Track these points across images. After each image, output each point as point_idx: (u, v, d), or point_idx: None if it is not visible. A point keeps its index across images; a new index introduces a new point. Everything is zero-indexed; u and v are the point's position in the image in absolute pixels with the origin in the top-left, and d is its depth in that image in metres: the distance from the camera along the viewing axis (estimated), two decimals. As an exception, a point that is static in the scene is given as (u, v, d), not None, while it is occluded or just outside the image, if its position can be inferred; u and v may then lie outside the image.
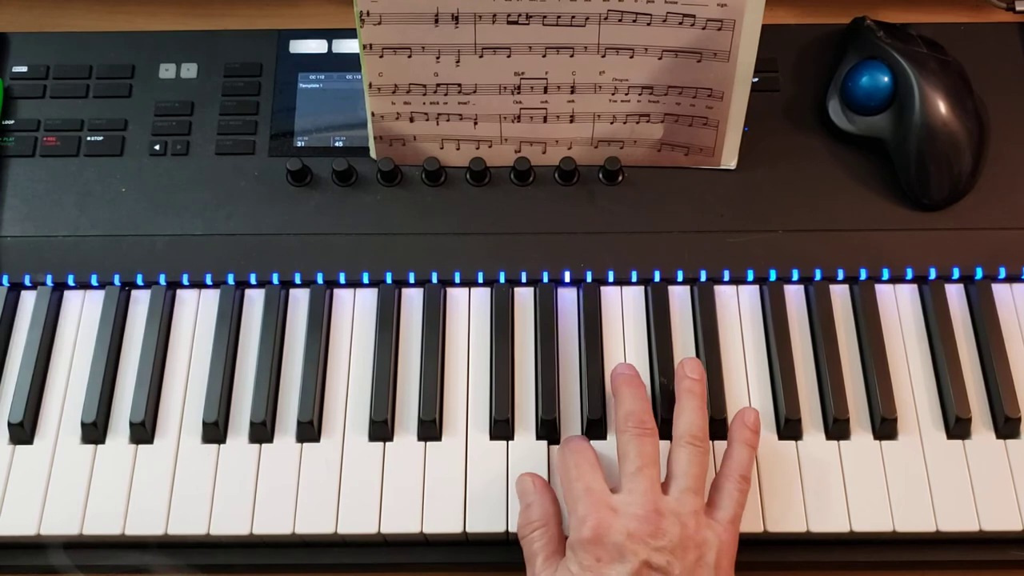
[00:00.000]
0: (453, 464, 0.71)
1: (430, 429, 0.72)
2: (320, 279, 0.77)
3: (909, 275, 0.77)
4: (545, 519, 0.66)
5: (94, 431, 0.72)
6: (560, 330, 0.76)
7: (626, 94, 0.77)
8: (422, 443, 0.72)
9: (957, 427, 0.72)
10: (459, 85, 0.77)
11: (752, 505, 0.69)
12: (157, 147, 0.81)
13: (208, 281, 0.77)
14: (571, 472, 0.66)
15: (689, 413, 0.69)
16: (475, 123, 0.79)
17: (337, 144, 0.82)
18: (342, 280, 0.77)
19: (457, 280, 0.77)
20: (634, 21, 0.73)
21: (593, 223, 0.79)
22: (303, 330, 0.76)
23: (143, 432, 0.72)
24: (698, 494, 0.65)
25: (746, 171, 0.80)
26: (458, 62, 0.76)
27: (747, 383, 0.74)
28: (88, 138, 0.82)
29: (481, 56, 0.75)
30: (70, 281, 0.77)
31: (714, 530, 0.65)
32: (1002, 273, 0.77)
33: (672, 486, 0.66)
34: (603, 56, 0.75)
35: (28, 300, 0.77)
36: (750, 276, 0.77)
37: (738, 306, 0.77)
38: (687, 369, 0.70)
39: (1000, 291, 0.76)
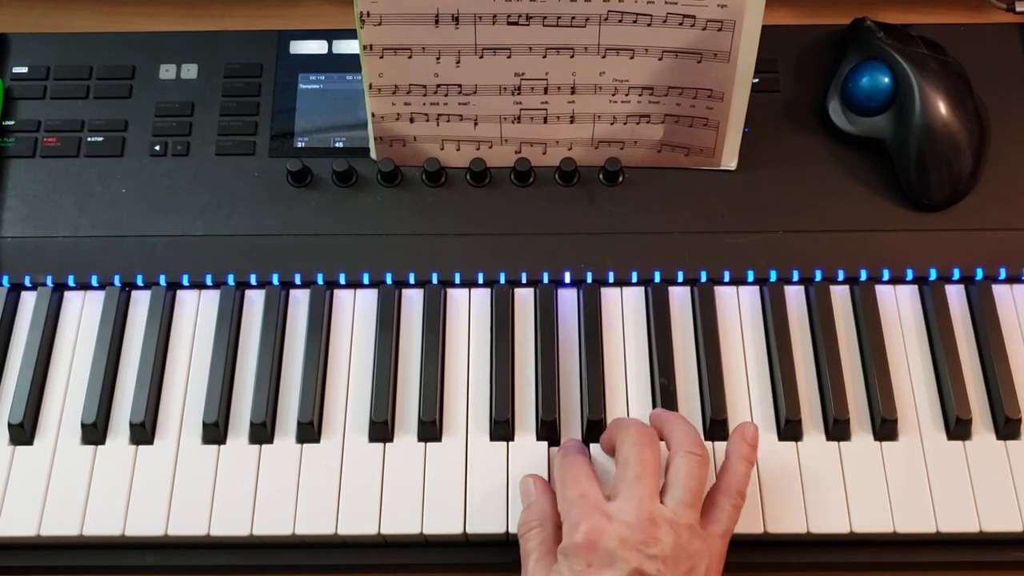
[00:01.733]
0: (453, 465, 0.71)
1: (430, 430, 0.72)
2: (320, 280, 0.77)
3: (909, 276, 0.77)
4: (542, 519, 0.66)
5: (94, 432, 0.72)
6: (560, 331, 0.76)
7: (626, 95, 0.77)
8: (422, 444, 0.72)
9: (957, 428, 0.72)
10: (459, 86, 0.77)
11: (752, 505, 0.69)
12: (157, 148, 0.81)
13: (208, 282, 0.77)
14: (566, 481, 0.66)
15: (686, 425, 0.68)
16: (475, 124, 0.79)
17: (337, 145, 0.82)
18: (342, 281, 0.77)
19: (457, 281, 0.77)
20: (634, 22, 0.73)
21: (593, 224, 0.79)
22: (303, 331, 0.76)
23: (143, 433, 0.72)
24: (694, 507, 0.64)
25: (746, 172, 0.80)
26: (458, 63, 0.75)
27: (747, 384, 0.74)
28: (88, 139, 0.82)
29: (481, 57, 0.75)
30: (70, 282, 0.77)
31: (707, 542, 0.64)
32: (1002, 274, 0.77)
33: (669, 497, 0.64)
34: (603, 57, 0.75)
35: (28, 301, 0.77)
36: (750, 277, 0.77)
37: (738, 307, 0.77)
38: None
39: (1000, 292, 0.76)
